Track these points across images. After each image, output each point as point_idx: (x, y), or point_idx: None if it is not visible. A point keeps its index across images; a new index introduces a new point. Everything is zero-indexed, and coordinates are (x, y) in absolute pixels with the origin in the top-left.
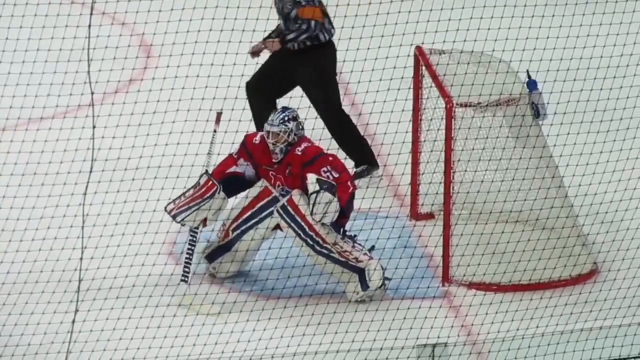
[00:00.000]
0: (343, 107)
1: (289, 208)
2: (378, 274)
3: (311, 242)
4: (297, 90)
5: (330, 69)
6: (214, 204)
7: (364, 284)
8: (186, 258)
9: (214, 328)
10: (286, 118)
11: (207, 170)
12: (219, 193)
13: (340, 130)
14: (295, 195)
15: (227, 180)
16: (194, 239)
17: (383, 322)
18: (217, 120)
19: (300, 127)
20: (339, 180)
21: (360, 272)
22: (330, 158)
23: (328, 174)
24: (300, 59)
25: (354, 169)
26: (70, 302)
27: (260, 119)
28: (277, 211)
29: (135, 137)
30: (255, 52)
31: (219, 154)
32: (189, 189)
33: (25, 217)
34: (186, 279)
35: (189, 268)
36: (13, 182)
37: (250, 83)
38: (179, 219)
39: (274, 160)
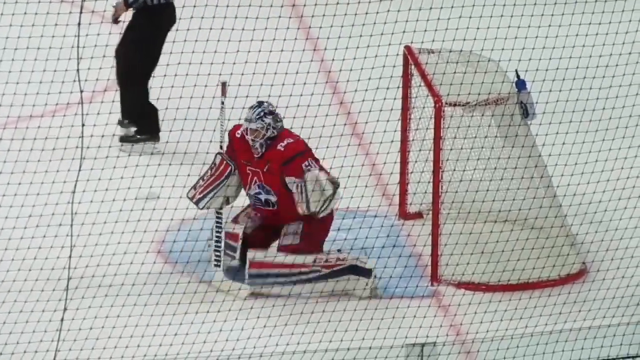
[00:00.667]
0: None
1: (256, 272)
2: (366, 259)
3: (297, 279)
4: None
5: (152, 32)
6: (231, 183)
7: (365, 272)
8: (216, 243)
9: (202, 327)
10: (262, 113)
11: (220, 150)
12: (233, 173)
13: (132, 95)
14: (250, 254)
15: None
16: (220, 222)
17: (372, 321)
18: (223, 91)
19: (278, 119)
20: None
21: (353, 268)
22: (311, 154)
23: (310, 167)
24: (135, 15)
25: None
26: (59, 300)
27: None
28: (249, 282)
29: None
30: (115, 19)
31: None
32: (207, 170)
33: (14, 216)
34: (219, 263)
35: (220, 252)
36: (1, 181)
37: (117, 49)
38: (201, 205)
39: (255, 156)
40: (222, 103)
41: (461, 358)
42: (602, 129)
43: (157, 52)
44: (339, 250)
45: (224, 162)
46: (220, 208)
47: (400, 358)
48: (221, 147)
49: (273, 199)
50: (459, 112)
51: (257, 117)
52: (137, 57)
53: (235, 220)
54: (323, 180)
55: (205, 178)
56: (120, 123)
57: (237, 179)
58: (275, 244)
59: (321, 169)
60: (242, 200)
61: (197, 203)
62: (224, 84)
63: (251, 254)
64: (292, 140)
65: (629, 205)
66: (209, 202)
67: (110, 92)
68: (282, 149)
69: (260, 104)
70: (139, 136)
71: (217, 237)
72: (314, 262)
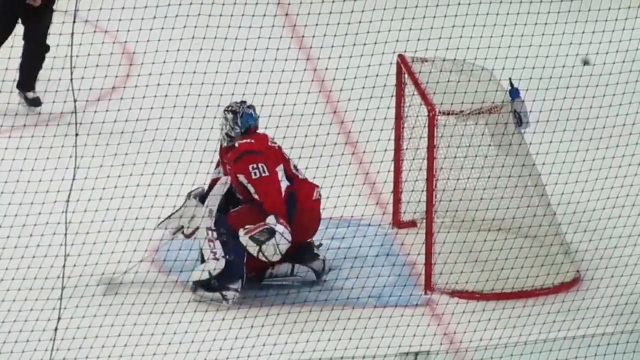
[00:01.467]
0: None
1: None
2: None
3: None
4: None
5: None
6: (185, 214)
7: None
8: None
9: (197, 335)
10: (230, 109)
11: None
12: (189, 199)
13: None
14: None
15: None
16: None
17: (365, 330)
18: None
19: (238, 122)
20: (268, 179)
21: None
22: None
23: (256, 170)
24: None
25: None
26: (53, 309)
27: None
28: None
29: (118, 145)
30: None
31: None
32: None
33: (8, 225)
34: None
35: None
36: None
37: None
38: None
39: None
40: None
41: None
42: (596, 137)
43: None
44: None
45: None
46: (174, 234)
47: None
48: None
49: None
50: (452, 121)
51: (224, 109)
52: None
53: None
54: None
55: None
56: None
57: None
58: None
59: (270, 177)
60: None
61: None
62: None
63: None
64: (249, 140)
65: (623, 214)
66: (164, 226)
67: (104, 102)
68: (237, 145)
69: (239, 102)
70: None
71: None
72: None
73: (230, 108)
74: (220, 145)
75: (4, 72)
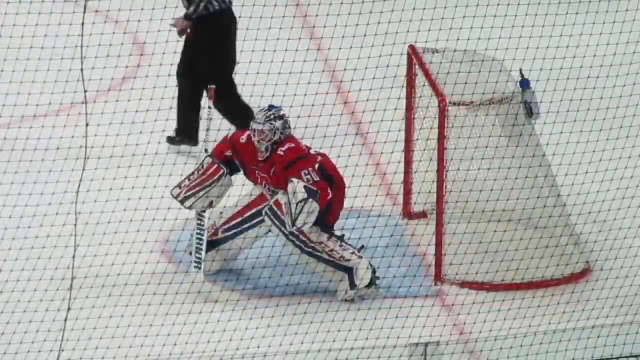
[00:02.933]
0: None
1: (275, 209)
2: (367, 273)
3: (298, 243)
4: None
5: (221, 39)
6: (224, 183)
7: (352, 283)
8: (197, 244)
9: (206, 326)
10: (272, 116)
11: (208, 152)
12: (224, 177)
13: (225, 102)
14: (282, 196)
15: (226, 162)
16: (202, 224)
17: (375, 320)
18: (210, 96)
19: (287, 125)
20: (318, 185)
21: (349, 272)
22: (314, 160)
23: (308, 176)
24: (197, 28)
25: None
26: (63, 300)
27: (190, 102)
28: (265, 212)
29: (128, 135)
30: (180, 31)
31: (218, 130)
32: (194, 171)
33: (18, 215)
34: (199, 265)
35: (200, 254)
36: (6, 180)
37: (179, 67)
38: (187, 204)
39: (259, 158)
40: (209, 107)
41: (464, 357)
42: (606, 128)
43: (234, 56)
44: (342, 235)
45: (215, 164)
46: (203, 210)
47: (403, 357)
48: (206, 150)
49: None
50: (462, 112)
51: (267, 119)
52: (216, 68)
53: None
54: (299, 193)
55: (191, 178)
56: (171, 140)
57: (228, 183)
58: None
59: (320, 180)
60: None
61: (182, 202)
62: (211, 89)
63: (283, 197)
64: (293, 145)
65: (633, 205)
66: (195, 203)
67: (114, 92)
68: (283, 153)
69: (271, 107)
70: None
71: (198, 239)
72: (320, 242)
73: (273, 115)
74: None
75: (13, 62)
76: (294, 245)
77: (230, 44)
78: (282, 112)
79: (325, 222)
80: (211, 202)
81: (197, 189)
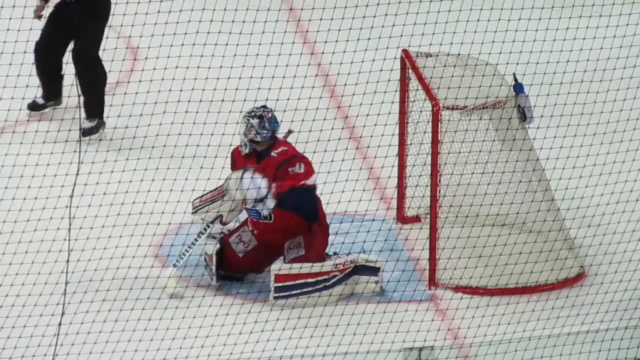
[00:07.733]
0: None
1: (282, 285)
2: (369, 256)
3: (322, 287)
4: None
5: (102, 19)
6: (224, 204)
7: (372, 271)
8: (188, 246)
9: (200, 331)
10: (253, 114)
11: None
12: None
13: (90, 80)
14: (276, 265)
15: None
16: (204, 232)
17: (370, 325)
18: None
19: (264, 126)
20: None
21: (361, 268)
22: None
23: (295, 169)
24: (81, 12)
25: (89, 123)
26: (57, 304)
27: (49, 78)
28: (275, 296)
29: (122, 140)
30: (37, 13)
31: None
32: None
33: (11, 219)
34: (178, 263)
35: (185, 255)
36: None
37: (38, 44)
38: (196, 214)
39: (242, 152)
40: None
41: None
42: (600, 132)
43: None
44: (335, 253)
45: None
46: (212, 222)
47: None
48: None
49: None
50: (456, 116)
51: (245, 115)
52: (91, 44)
53: (228, 235)
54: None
55: (212, 192)
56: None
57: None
58: (279, 260)
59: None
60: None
61: (193, 212)
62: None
63: (276, 266)
64: (285, 148)
65: (627, 209)
66: (202, 213)
67: (108, 97)
68: (275, 155)
69: (262, 106)
70: (92, 123)
71: (192, 242)
72: (334, 267)
73: (253, 113)
74: (234, 152)
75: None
76: (319, 292)
77: (104, 24)
78: (264, 112)
79: (310, 258)
80: (221, 217)
81: (208, 202)
